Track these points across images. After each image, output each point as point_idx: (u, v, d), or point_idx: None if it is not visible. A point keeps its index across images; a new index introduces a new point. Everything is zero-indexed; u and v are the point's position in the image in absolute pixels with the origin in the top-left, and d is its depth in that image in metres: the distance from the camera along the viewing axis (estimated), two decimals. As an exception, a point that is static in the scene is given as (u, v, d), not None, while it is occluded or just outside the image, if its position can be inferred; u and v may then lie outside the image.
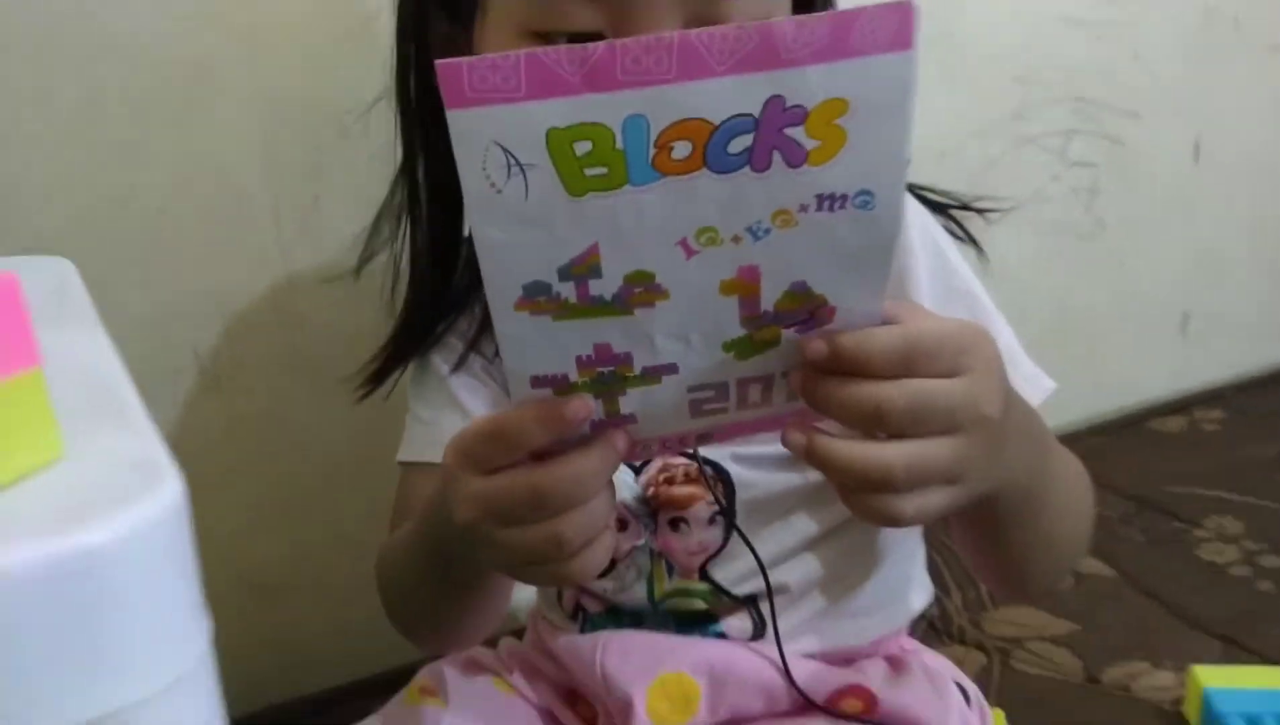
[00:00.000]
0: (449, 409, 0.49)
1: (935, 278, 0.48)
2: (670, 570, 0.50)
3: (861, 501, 0.33)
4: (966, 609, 0.73)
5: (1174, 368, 1.14)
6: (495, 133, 0.26)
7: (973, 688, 0.54)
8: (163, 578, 0.24)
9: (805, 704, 0.48)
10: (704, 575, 0.49)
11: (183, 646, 0.25)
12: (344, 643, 0.72)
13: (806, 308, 0.31)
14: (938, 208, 0.52)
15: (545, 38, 0.41)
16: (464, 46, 0.45)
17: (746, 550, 0.48)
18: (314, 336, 0.68)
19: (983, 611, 0.72)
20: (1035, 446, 0.40)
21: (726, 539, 0.49)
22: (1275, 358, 1.20)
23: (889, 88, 0.27)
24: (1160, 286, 1.12)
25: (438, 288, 0.50)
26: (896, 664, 0.52)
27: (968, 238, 0.53)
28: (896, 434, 0.32)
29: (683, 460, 0.49)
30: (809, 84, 0.26)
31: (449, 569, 0.41)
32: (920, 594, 0.55)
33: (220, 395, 0.67)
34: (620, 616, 0.51)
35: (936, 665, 0.54)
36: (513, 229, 0.28)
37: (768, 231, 0.29)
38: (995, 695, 0.63)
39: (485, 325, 0.49)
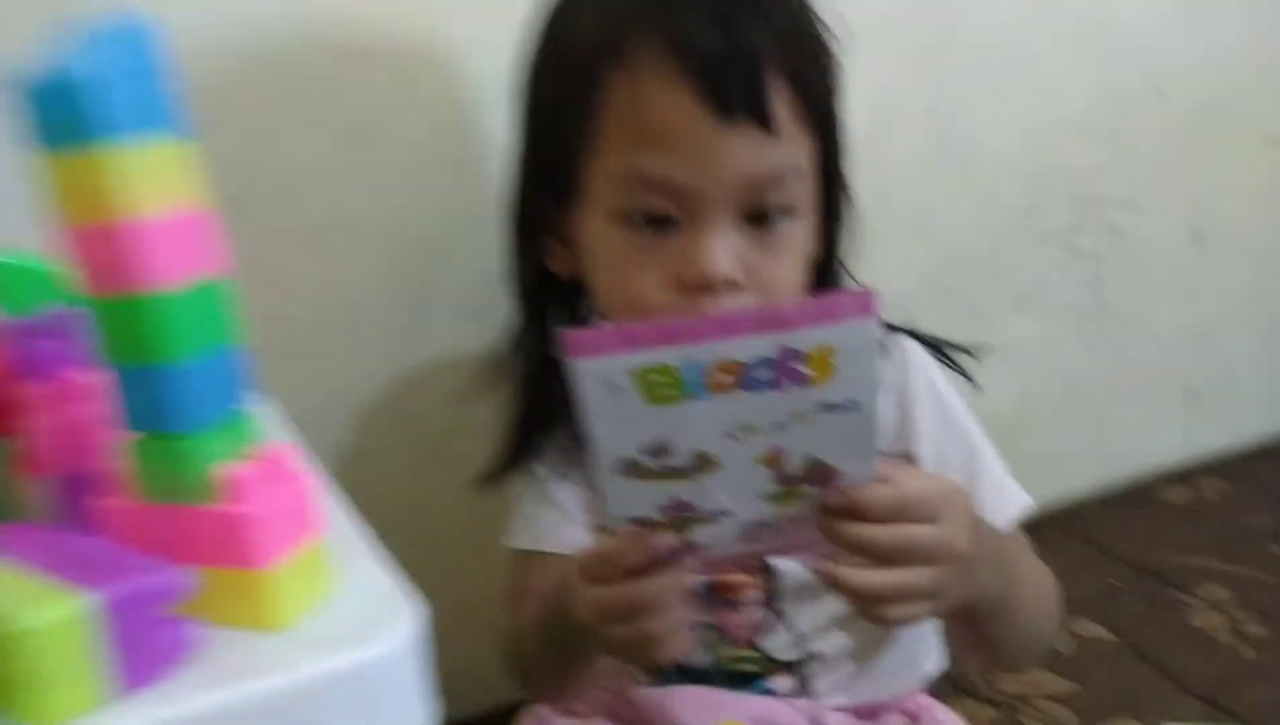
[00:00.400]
0: (547, 507, 0.61)
1: (934, 418, 0.59)
2: (727, 640, 0.61)
3: (863, 610, 0.46)
4: (979, 671, 0.83)
5: (1179, 437, 1.23)
6: (599, 372, 0.39)
7: (982, 743, 0.65)
8: (415, 678, 0.36)
9: None
10: (754, 645, 0.60)
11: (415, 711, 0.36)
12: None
13: (819, 473, 0.43)
14: (935, 349, 0.63)
15: (629, 219, 0.53)
16: (563, 225, 0.57)
17: (789, 625, 0.59)
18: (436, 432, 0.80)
19: (994, 672, 0.83)
20: (1002, 565, 0.51)
21: (771, 618, 0.60)
22: (1276, 426, 1.29)
23: (860, 339, 0.40)
24: (1164, 361, 1.20)
25: (536, 413, 0.62)
26: (913, 717, 0.63)
27: (961, 372, 0.63)
28: (888, 564, 0.44)
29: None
30: (806, 338, 0.39)
31: (569, 648, 0.53)
32: (932, 660, 0.65)
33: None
34: (686, 673, 0.62)
35: (947, 719, 0.64)
36: (612, 426, 0.40)
37: (785, 426, 0.41)
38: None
39: (576, 439, 0.61)
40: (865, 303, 0.39)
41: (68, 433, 0.39)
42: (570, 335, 0.39)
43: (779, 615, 0.60)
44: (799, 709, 0.60)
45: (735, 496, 0.44)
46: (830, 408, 0.41)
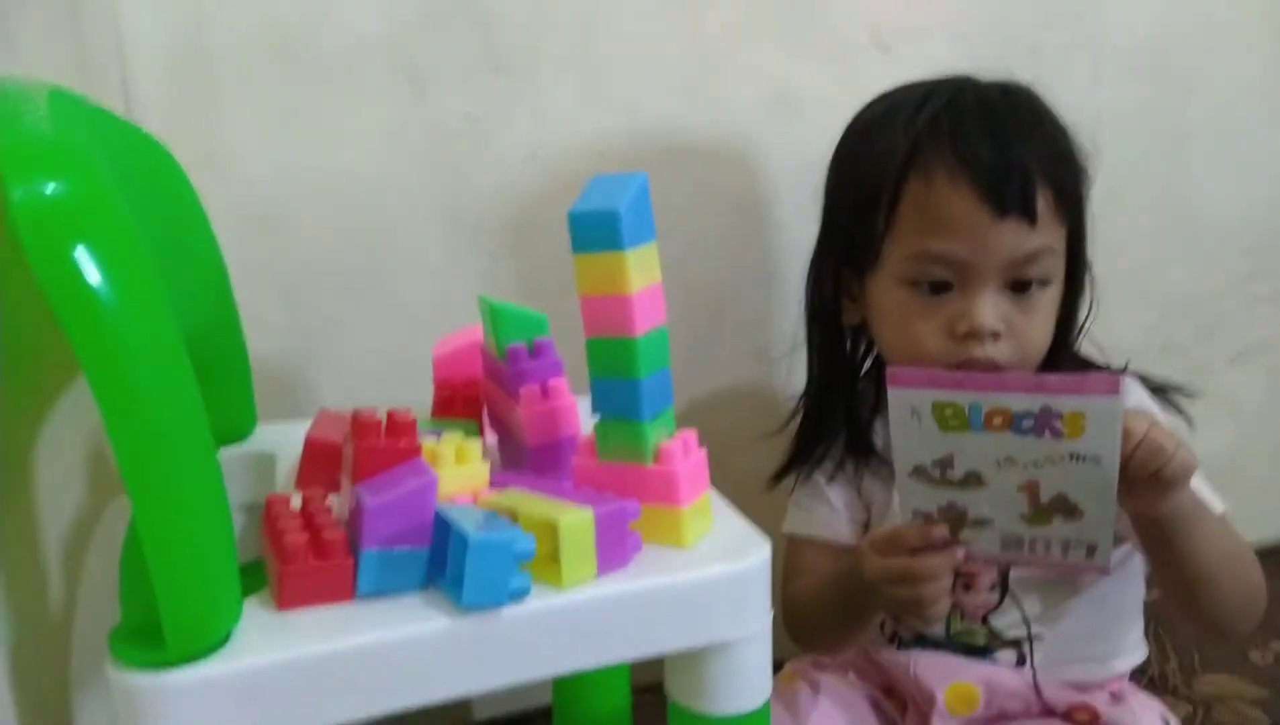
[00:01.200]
0: (822, 503, 0.80)
1: None
2: (961, 616, 0.77)
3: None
4: (1181, 671, 0.94)
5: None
6: (909, 399, 0.57)
7: (1175, 721, 0.77)
8: (765, 588, 0.55)
9: (1049, 711, 0.75)
10: (985, 622, 0.77)
11: (762, 616, 0.56)
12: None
13: (1065, 506, 0.59)
14: (1156, 391, 0.77)
15: (915, 284, 0.71)
16: (855, 286, 0.76)
17: (1015, 607, 0.75)
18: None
19: (1194, 674, 0.94)
20: (1193, 510, 0.65)
21: (1001, 601, 0.76)
22: None
23: (1106, 411, 0.55)
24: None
25: (819, 430, 0.81)
26: (1116, 696, 0.76)
27: (1178, 410, 0.77)
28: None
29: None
30: (1063, 403, 0.55)
31: (855, 608, 0.71)
32: (1137, 654, 0.79)
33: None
34: (924, 642, 0.79)
35: (1148, 703, 0.77)
36: (910, 440, 0.59)
37: (1040, 465, 0.57)
38: (1197, 736, 0.85)
39: (848, 451, 0.79)
40: (1113, 384, 0.55)
41: (547, 418, 0.61)
42: (893, 371, 0.57)
43: (1009, 599, 0.76)
44: (1019, 676, 0.75)
45: (996, 510, 0.60)
46: (1077, 458, 0.57)
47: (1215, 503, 0.72)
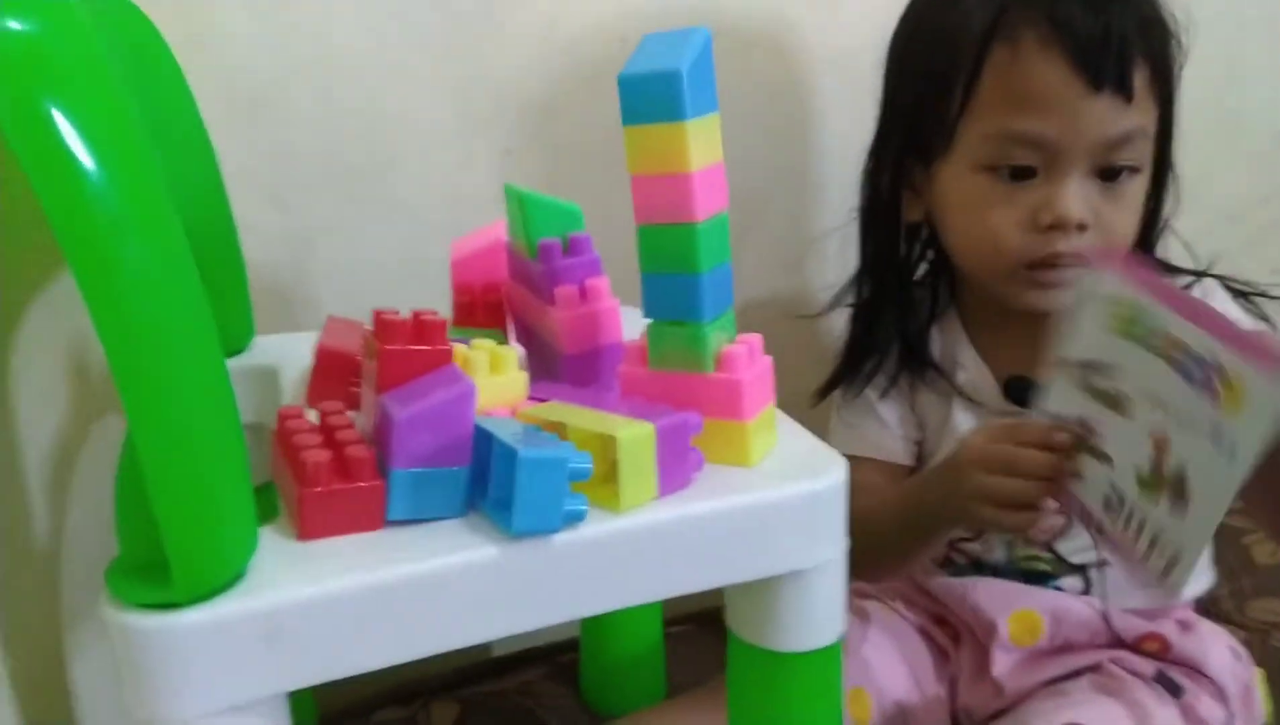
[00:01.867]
0: (873, 420, 0.73)
1: None
2: (1025, 541, 0.72)
3: None
4: (1233, 598, 0.90)
5: None
6: (1095, 282, 0.51)
7: (1243, 650, 0.73)
8: (840, 511, 0.49)
9: (1117, 641, 0.70)
10: (1050, 548, 0.71)
11: (838, 542, 0.50)
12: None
13: (1179, 489, 0.48)
14: (1240, 294, 0.71)
15: (995, 170, 0.65)
16: (920, 180, 0.69)
17: (1081, 533, 0.69)
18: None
19: (1245, 601, 0.90)
20: None
21: (1067, 526, 0.70)
22: None
23: (1266, 396, 0.43)
24: None
25: (872, 341, 0.74)
26: (1184, 624, 0.72)
27: (1263, 318, 0.71)
28: None
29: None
30: (1229, 362, 0.44)
31: (922, 526, 0.65)
32: (1204, 579, 0.74)
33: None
34: (981, 569, 0.73)
35: (1215, 630, 0.73)
36: (1077, 329, 0.52)
37: (1182, 423, 0.48)
38: (1258, 664, 0.80)
39: (901, 364, 0.73)
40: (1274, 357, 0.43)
41: (586, 322, 0.54)
42: (1099, 251, 0.50)
43: (1074, 523, 0.70)
44: (1087, 604, 0.70)
45: (1119, 452, 0.52)
46: (1218, 437, 0.46)
47: None
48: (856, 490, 0.71)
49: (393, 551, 0.42)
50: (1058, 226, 0.63)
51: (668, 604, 0.82)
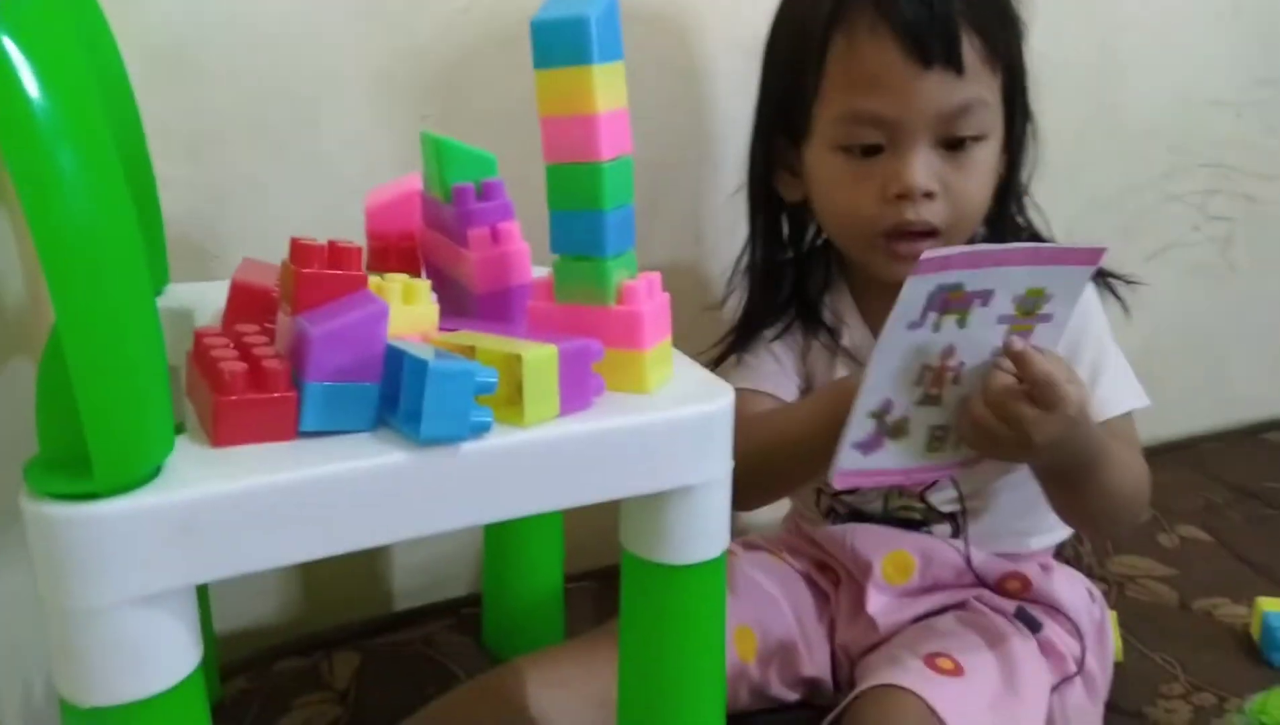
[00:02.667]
0: (770, 358, 0.77)
1: (1077, 322, 0.67)
2: (900, 493, 0.77)
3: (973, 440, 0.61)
4: (1095, 553, 0.98)
5: (1293, 390, 1.34)
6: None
7: (1098, 593, 0.80)
8: (727, 433, 0.53)
9: (981, 582, 0.76)
10: (923, 498, 0.77)
11: (725, 462, 0.54)
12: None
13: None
14: (1098, 274, 0.76)
15: (847, 149, 0.69)
16: (793, 159, 0.74)
17: (951, 484, 0.75)
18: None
19: (1106, 556, 0.97)
20: (1086, 454, 0.63)
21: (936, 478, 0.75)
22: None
23: (1078, 279, 0.55)
24: (1283, 321, 1.32)
25: (765, 304, 0.78)
26: (1045, 567, 0.78)
27: (1116, 296, 0.77)
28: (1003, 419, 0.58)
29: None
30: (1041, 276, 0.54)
31: (813, 447, 0.65)
32: (1062, 530, 0.79)
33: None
34: (860, 517, 0.78)
35: (1073, 574, 0.80)
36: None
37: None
38: (1113, 607, 0.88)
39: (797, 321, 0.77)
40: (1094, 255, 0.54)
41: (498, 262, 0.58)
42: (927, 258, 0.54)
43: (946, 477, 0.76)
44: (954, 547, 0.76)
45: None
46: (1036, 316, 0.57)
47: (1136, 398, 0.73)
48: (756, 419, 0.75)
49: (307, 455, 0.44)
50: (905, 196, 0.68)
51: (568, 561, 0.85)
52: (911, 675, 0.66)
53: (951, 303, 0.54)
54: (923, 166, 0.68)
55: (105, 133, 0.38)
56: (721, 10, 0.92)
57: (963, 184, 0.69)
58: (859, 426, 0.58)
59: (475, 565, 0.90)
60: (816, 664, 0.77)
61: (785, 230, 0.79)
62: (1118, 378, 0.73)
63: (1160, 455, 1.18)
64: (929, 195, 0.68)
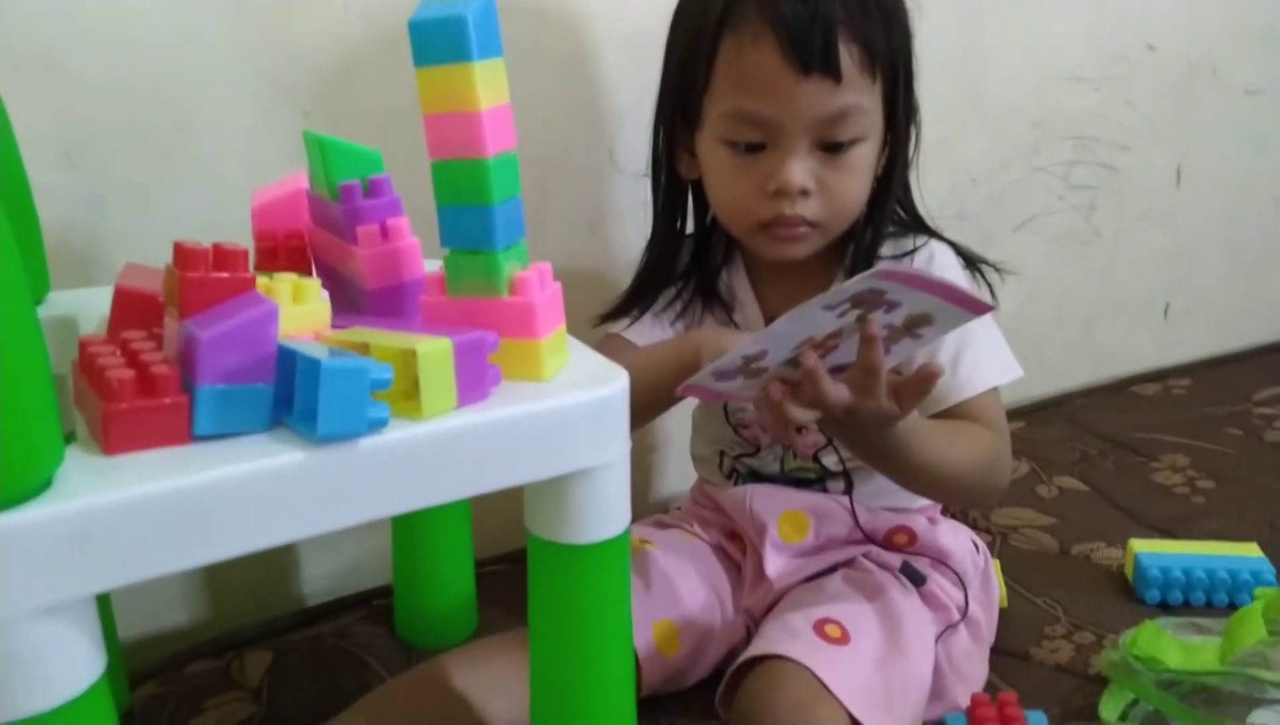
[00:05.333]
0: (655, 323, 0.80)
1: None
2: (795, 456, 0.81)
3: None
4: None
5: (1156, 348, 1.43)
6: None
7: (982, 544, 0.85)
8: (623, 415, 0.55)
9: (870, 537, 0.80)
10: (816, 459, 0.81)
11: (623, 443, 0.56)
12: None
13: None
14: (969, 262, 0.80)
15: (732, 144, 0.72)
16: (691, 142, 0.76)
17: (839, 447, 0.79)
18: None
19: (990, 510, 1.03)
20: (896, 450, 0.66)
21: (829, 441, 0.79)
22: (1241, 341, 1.48)
23: (960, 320, 0.59)
24: (1146, 282, 1.40)
25: (659, 273, 0.81)
26: (932, 520, 0.82)
27: (986, 283, 0.80)
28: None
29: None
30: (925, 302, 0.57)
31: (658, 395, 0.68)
32: None
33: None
34: (760, 478, 0.82)
35: (960, 528, 0.84)
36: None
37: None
38: (997, 556, 0.93)
39: (696, 294, 0.80)
40: (982, 307, 0.58)
41: (388, 259, 0.58)
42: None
43: (832, 440, 0.79)
44: (843, 504, 0.80)
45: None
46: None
47: (1001, 373, 0.76)
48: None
49: (201, 459, 0.44)
50: (783, 193, 0.71)
51: (480, 546, 0.86)
52: (801, 644, 0.69)
53: (866, 301, 0.58)
54: (800, 167, 0.71)
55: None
56: (605, 2, 0.93)
57: (839, 183, 0.72)
58: (729, 361, 0.61)
59: (385, 556, 0.90)
60: (732, 635, 0.80)
61: (690, 206, 0.82)
62: (980, 357, 0.75)
63: (1037, 413, 1.26)
64: (805, 193, 0.71)
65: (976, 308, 0.59)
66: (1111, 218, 1.33)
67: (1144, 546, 0.91)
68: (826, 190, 0.72)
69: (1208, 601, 0.87)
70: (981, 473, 0.73)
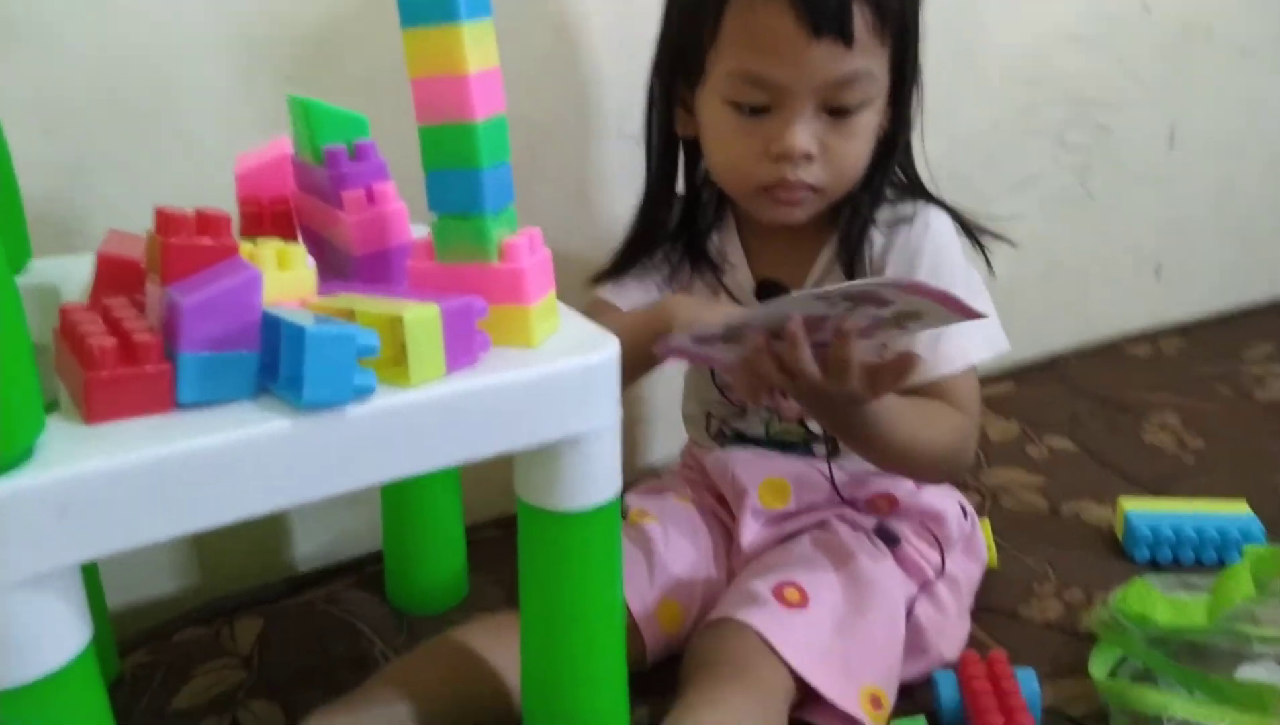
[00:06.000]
0: (638, 281, 0.80)
1: (928, 276, 0.73)
2: (780, 419, 0.81)
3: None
4: (969, 469, 1.04)
5: (1148, 308, 1.43)
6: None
7: (969, 505, 0.84)
8: (613, 381, 0.55)
9: (847, 503, 0.80)
10: (801, 423, 0.80)
11: (612, 409, 0.55)
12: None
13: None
14: (968, 231, 0.78)
15: (736, 105, 0.71)
16: (689, 99, 0.75)
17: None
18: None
19: (981, 470, 1.04)
20: (865, 428, 0.66)
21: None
22: (1232, 301, 1.48)
23: (945, 320, 0.58)
24: (1138, 243, 1.39)
25: (651, 234, 0.80)
26: (919, 485, 0.81)
27: (983, 252, 0.79)
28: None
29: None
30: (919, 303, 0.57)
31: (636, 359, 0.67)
32: None
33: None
34: (745, 441, 0.82)
35: (947, 491, 0.84)
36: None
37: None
38: (987, 516, 0.94)
39: (686, 254, 0.80)
40: (970, 313, 0.57)
41: (375, 224, 0.57)
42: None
43: None
44: (823, 472, 0.79)
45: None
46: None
47: (981, 350, 0.74)
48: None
49: (186, 427, 0.44)
50: (785, 157, 0.70)
51: (470, 511, 0.86)
52: (755, 609, 0.69)
53: (860, 298, 0.57)
54: (804, 131, 0.70)
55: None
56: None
57: (843, 148, 0.72)
58: (708, 328, 0.60)
59: (376, 523, 0.90)
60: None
61: (681, 163, 0.80)
62: (964, 331, 0.72)
63: (1028, 373, 1.26)
64: (808, 157, 0.70)
65: (968, 315, 0.58)
66: (1104, 179, 1.32)
67: (1134, 505, 0.91)
68: (830, 155, 0.71)
69: (1197, 559, 0.88)
70: (948, 456, 0.73)
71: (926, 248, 0.75)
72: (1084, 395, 1.20)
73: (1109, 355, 1.33)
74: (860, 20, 0.68)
